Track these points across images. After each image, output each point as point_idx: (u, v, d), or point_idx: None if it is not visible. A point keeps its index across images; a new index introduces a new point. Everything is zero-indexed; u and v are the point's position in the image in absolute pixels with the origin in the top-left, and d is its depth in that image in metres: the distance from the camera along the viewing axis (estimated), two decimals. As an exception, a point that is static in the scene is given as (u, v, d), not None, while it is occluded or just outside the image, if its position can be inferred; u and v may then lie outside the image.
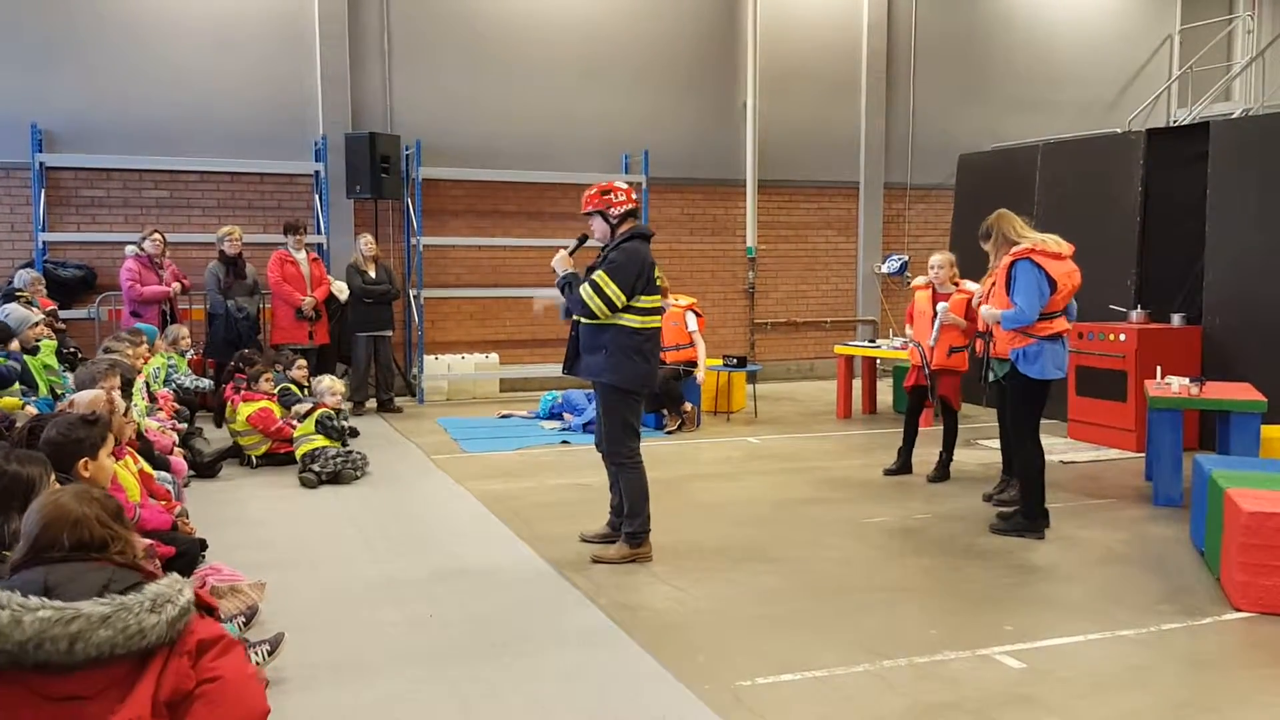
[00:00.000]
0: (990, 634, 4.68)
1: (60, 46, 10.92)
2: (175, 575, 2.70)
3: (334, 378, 8.61)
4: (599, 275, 5.56)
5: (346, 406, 8.67)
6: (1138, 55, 15.61)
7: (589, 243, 5.98)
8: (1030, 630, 4.73)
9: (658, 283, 5.80)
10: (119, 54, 11.13)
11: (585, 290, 5.57)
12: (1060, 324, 6.27)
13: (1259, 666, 4.42)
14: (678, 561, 5.76)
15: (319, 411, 7.99)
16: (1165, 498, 7.07)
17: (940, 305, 7.47)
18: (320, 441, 7.85)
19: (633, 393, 5.79)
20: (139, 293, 9.93)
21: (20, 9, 10.79)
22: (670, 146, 13.23)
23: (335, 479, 7.72)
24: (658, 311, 5.80)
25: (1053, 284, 6.11)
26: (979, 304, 6.74)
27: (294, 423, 8.10)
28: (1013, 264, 6.19)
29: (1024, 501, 6.39)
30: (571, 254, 5.88)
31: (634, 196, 5.86)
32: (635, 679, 4.22)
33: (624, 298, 5.57)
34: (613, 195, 5.75)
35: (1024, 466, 6.41)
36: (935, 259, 7.91)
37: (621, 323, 5.64)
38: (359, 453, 8.02)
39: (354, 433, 8.77)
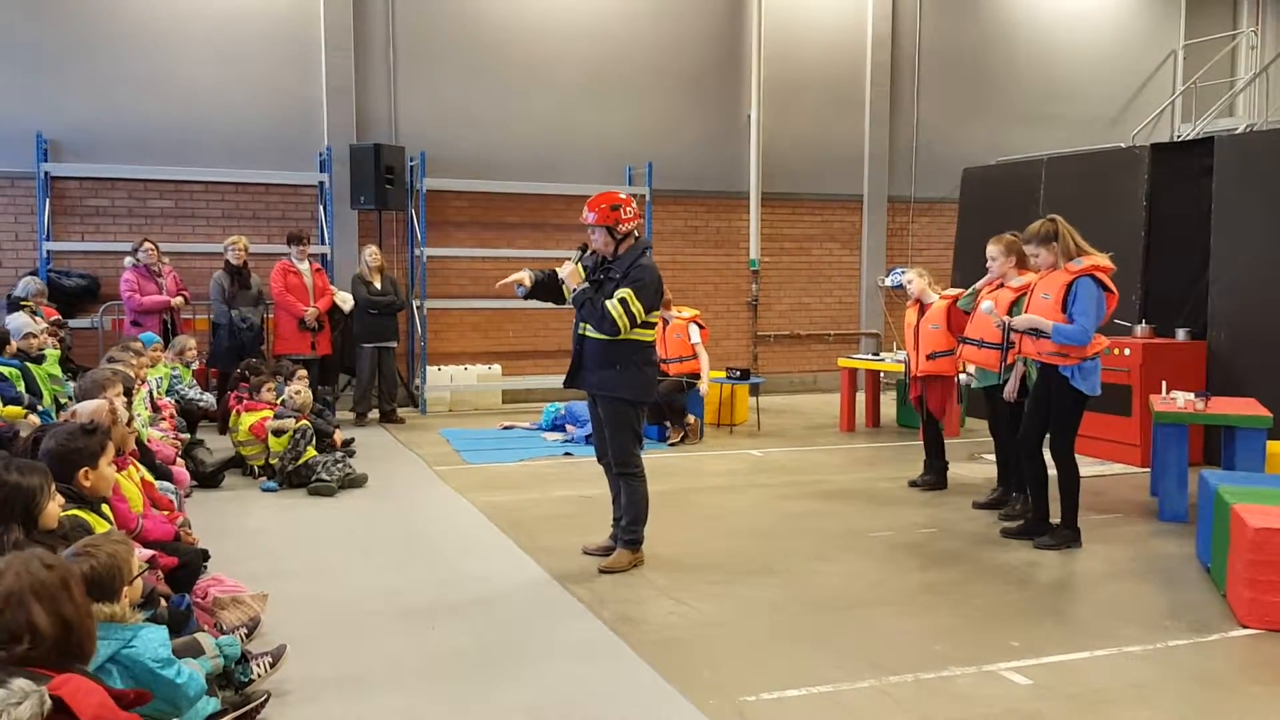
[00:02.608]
0: (996, 650, 4.65)
1: (66, 56, 10.95)
2: (23, 683, 2.38)
3: (299, 388, 8.60)
4: (628, 293, 5.63)
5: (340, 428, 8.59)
6: (1142, 70, 15.63)
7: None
8: (1036, 646, 4.70)
9: None
10: (125, 64, 11.16)
11: (615, 308, 5.61)
12: (1105, 339, 6.29)
13: (1266, 684, 4.38)
14: (681, 574, 5.73)
15: (296, 425, 7.94)
16: (1171, 513, 7.04)
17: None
18: (309, 453, 7.86)
19: (644, 404, 5.94)
20: (139, 302, 9.93)
21: (26, 19, 10.82)
22: (674, 159, 13.24)
23: (353, 484, 7.77)
24: (655, 324, 5.96)
25: (1108, 299, 6.13)
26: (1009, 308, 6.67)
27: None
28: (1074, 281, 6.09)
29: (1067, 512, 6.38)
30: (577, 264, 5.89)
31: (635, 207, 5.86)
32: (639, 693, 4.20)
33: (645, 315, 5.69)
34: (621, 210, 5.74)
35: (1068, 480, 6.36)
36: (909, 275, 8.13)
37: (635, 338, 5.74)
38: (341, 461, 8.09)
39: (350, 451, 8.74)
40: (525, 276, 5.88)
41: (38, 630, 2.58)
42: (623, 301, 5.62)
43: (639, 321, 5.70)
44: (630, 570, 5.81)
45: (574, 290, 5.79)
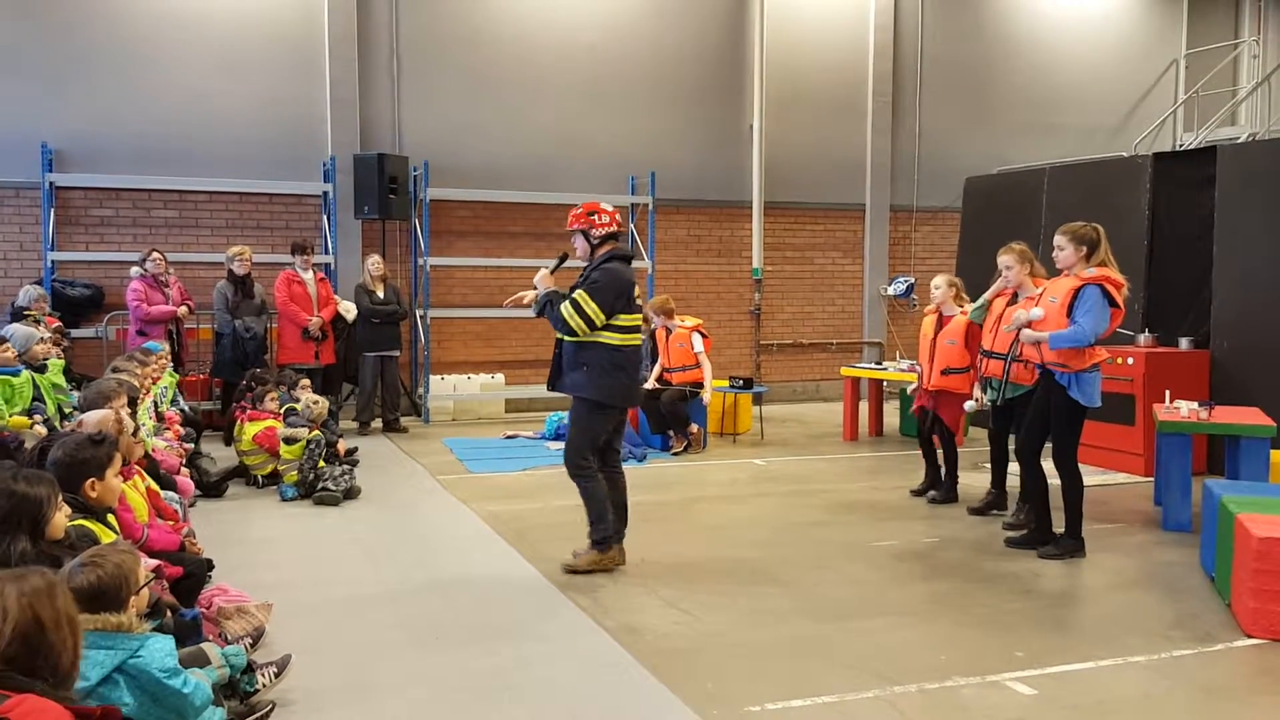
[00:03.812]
0: (1000, 660, 4.65)
1: (70, 67, 10.99)
2: None
3: (318, 397, 8.57)
4: (580, 294, 5.77)
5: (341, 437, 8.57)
6: (1143, 79, 15.66)
7: (570, 262, 6.17)
8: (1041, 656, 4.69)
9: (635, 302, 5.97)
10: (129, 74, 11.21)
11: (566, 308, 5.76)
12: (1103, 350, 6.26)
13: (1270, 694, 4.38)
14: (684, 584, 5.73)
15: (311, 435, 7.94)
16: (1174, 523, 7.04)
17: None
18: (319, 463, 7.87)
19: (609, 408, 5.99)
20: (145, 312, 9.95)
21: (31, 30, 10.87)
22: (677, 168, 13.27)
23: (349, 495, 7.77)
24: (637, 330, 5.99)
25: (1114, 314, 6.09)
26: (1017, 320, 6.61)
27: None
28: (1082, 287, 6.08)
29: (1071, 522, 6.37)
30: (553, 271, 6.06)
31: (618, 219, 6.04)
32: (643, 704, 4.20)
33: (604, 316, 5.77)
34: (596, 216, 5.93)
35: (1071, 490, 6.35)
36: (936, 281, 7.93)
37: (602, 340, 5.83)
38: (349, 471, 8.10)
39: (355, 461, 8.73)
40: (531, 295, 6.06)
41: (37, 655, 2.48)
42: (574, 303, 5.74)
43: (598, 324, 5.76)
44: (592, 571, 5.87)
45: (541, 293, 5.94)
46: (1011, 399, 6.97)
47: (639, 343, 6.04)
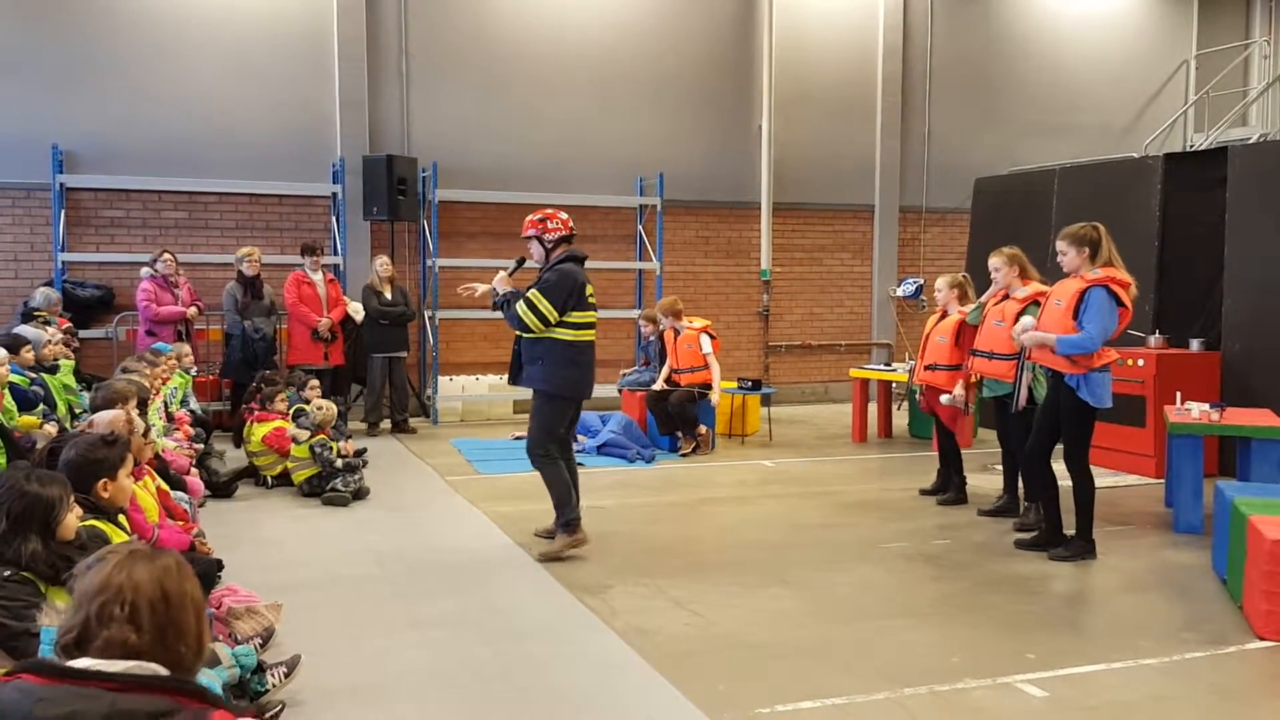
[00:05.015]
0: (1012, 662, 4.63)
1: (81, 69, 11.03)
2: None
3: (326, 403, 8.55)
4: (533, 293, 6.10)
5: (346, 442, 8.55)
6: (1154, 80, 15.61)
7: (529, 264, 6.53)
8: (1052, 658, 4.67)
9: (589, 300, 6.27)
10: (139, 76, 11.24)
11: (520, 306, 6.09)
12: (1113, 351, 6.25)
13: (1284, 697, 4.36)
14: (693, 585, 5.73)
15: (315, 438, 7.96)
16: (1186, 524, 7.01)
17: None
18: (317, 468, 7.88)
19: (566, 399, 6.32)
20: (155, 313, 9.98)
21: (42, 32, 10.91)
22: (685, 169, 13.26)
23: (357, 495, 7.78)
24: (591, 326, 6.31)
25: (1121, 314, 6.06)
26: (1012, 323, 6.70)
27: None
28: (1087, 289, 6.06)
29: (1082, 524, 6.35)
30: (511, 275, 6.43)
31: (570, 224, 6.35)
32: (654, 706, 4.19)
33: (556, 314, 6.11)
34: (548, 222, 6.29)
35: (1082, 491, 6.33)
36: (938, 283, 8.04)
37: (555, 336, 6.17)
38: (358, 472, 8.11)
39: (363, 462, 8.72)
40: (484, 289, 6.50)
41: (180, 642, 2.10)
42: (528, 301, 6.08)
43: (551, 321, 6.10)
44: (567, 553, 6.14)
45: (498, 294, 6.28)
46: (999, 396, 7.04)
47: (593, 338, 6.36)
